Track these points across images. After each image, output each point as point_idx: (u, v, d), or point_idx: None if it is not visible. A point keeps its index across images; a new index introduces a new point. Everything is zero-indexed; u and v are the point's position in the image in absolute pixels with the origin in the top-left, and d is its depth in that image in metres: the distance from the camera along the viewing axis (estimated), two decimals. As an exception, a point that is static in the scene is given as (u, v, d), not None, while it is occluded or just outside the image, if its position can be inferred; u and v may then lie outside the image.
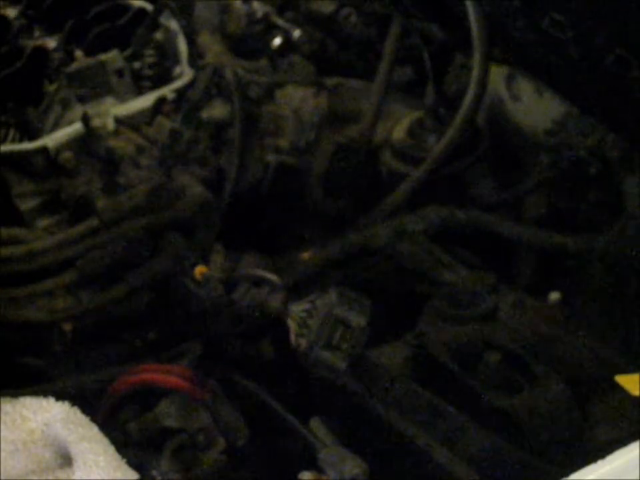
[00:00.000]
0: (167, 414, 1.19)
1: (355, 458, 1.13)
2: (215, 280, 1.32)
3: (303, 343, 1.18)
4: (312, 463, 1.13)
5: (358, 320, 1.19)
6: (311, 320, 1.19)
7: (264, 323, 1.27)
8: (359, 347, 1.19)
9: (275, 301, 1.24)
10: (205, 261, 1.41)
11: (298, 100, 1.80)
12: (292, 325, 1.20)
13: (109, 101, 1.82)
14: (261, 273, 1.28)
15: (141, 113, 1.77)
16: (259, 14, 1.96)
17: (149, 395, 1.22)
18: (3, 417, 1.02)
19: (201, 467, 1.16)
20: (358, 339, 1.19)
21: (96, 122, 1.71)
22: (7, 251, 1.50)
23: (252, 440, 1.21)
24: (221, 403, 1.21)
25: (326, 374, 1.18)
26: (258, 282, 1.28)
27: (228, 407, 1.21)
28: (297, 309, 1.20)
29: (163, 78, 1.89)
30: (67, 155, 1.68)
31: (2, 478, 1.00)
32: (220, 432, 1.19)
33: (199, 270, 1.36)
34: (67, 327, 1.48)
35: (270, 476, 1.20)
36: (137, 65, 1.92)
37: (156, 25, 1.98)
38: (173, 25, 1.96)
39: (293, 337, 1.19)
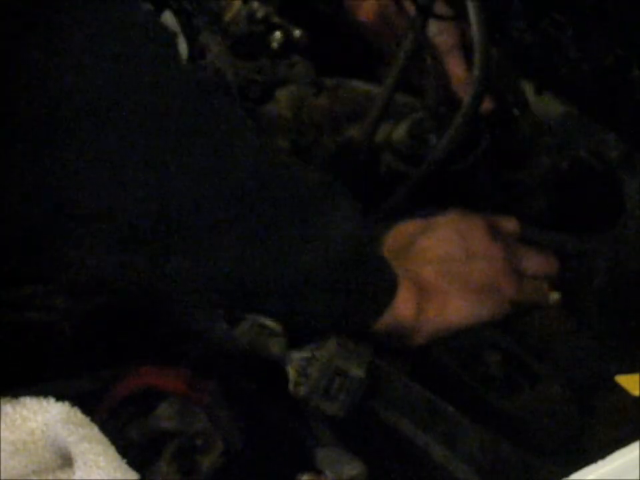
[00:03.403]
0: (166, 417, 1.19)
1: (353, 459, 1.13)
2: (218, 314, 1.29)
3: (301, 391, 1.18)
4: (311, 464, 1.13)
5: (356, 371, 1.19)
6: (311, 369, 1.18)
7: (263, 363, 1.25)
8: (356, 397, 1.19)
9: (275, 346, 1.22)
10: None
11: (298, 100, 1.79)
12: (291, 372, 1.19)
13: (109, 101, 1.81)
14: (260, 319, 1.25)
15: (142, 112, 1.76)
16: (259, 14, 1.96)
17: (148, 398, 1.22)
18: (3, 417, 1.02)
19: (200, 470, 1.16)
20: (356, 389, 1.19)
21: (97, 122, 1.70)
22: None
23: (251, 442, 1.20)
24: (219, 406, 1.21)
25: (323, 419, 1.19)
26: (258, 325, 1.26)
27: (227, 409, 1.21)
28: (297, 356, 1.20)
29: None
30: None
31: (2, 478, 1.00)
32: (219, 435, 1.19)
33: None
34: (68, 327, 1.47)
35: (269, 478, 1.20)
36: (137, 65, 1.91)
37: (156, 25, 1.97)
38: (173, 24, 1.96)
39: (291, 385, 1.19)
